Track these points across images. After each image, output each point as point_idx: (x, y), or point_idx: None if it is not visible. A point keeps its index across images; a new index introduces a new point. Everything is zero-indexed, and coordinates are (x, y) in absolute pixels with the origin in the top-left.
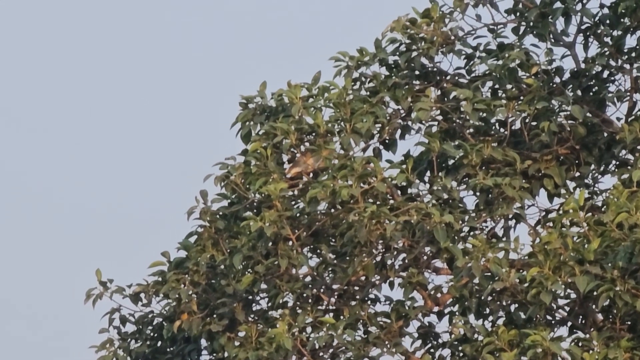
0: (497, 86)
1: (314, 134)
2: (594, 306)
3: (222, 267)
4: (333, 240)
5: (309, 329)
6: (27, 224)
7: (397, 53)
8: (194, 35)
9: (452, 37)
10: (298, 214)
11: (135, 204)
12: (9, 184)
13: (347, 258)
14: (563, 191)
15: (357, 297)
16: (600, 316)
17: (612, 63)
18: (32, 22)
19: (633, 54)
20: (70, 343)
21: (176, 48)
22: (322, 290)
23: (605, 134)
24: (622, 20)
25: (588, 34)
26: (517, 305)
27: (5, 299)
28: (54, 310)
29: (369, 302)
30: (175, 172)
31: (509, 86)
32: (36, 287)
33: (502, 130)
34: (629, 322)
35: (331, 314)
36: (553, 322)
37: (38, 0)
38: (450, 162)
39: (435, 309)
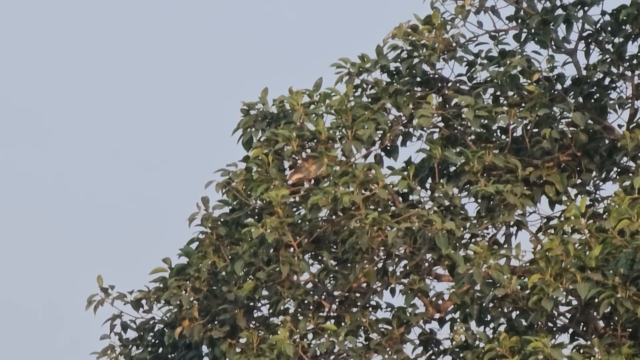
0: (498, 93)
1: (315, 140)
2: (595, 313)
3: (224, 273)
4: (334, 246)
5: (310, 336)
6: (29, 230)
7: (399, 60)
8: (196, 41)
9: (454, 44)
10: (299, 221)
11: (136, 211)
12: (10, 188)
13: (349, 265)
14: (564, 198)
15: (359, 303)
16: (601, 323)
17: (614, 70)
18: (36, 22)
19: (634, 61)
20: (73, 349)
21: (178, 55)
22: (323, 296)
23: (607, 141)
24: (623, 27)
25: (589, 41)
26: (518, 312)
27: (6, 299)
28: (56, 315)
29: (370, 308)
30: (176, 178)
31: (510, 93)
32: (37, 292)
33: (503, 137)
34: (630, 329)
35: (332, 321)
36: (554, 328)
37: (41, 1)
38: (452, 168)
39: (437, 315)
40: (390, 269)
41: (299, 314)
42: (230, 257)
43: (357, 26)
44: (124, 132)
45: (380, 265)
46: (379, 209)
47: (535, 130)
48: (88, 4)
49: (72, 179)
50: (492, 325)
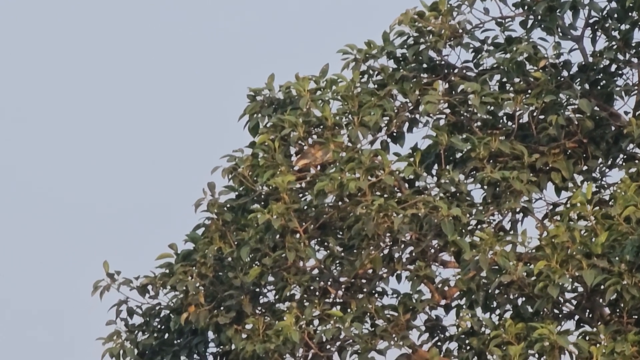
0: (505, 79)
1: (321, 126)
2: (601, 300)
3: (230, 259)
4: (340, 233)
5: (316, 322)
6: (35, 219)
7: (405, 46)
8: (201, 28)
9: (460, 30)
10: (305, 207)
11: (142, 196)
12: (14, 183)
13: (355, 251)
14: (571, 185)
15: (365, 290)
16: (607, 310)
17: (620, 57)
18: (35, 21)
19: None
20: (77, 338)
21: (184, 41)
22: (329, 283)
23: (613, 128)
24: (630, 14)
25: (596, 27)
26: (524, 298)
27: (8, 299)
28: (62, 304)
29: (376, 295)
30: (183, 164)
31: (516, 80)
32: (45, 282)
33: (509, 123)
34: (636, 316)
35: (338, 307)
36: (560, 315)
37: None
38: (458, 155)
39: (443, 302)
40: (396, 255)
41: (304, 300)
42: (236, 243)
43: (364, 12)
44: (128, 121)
45: (386, 251)
46: (385, 195)
47: (542, 116)
48: (89, 4)
49: (76, 167)
50: (498, 311)
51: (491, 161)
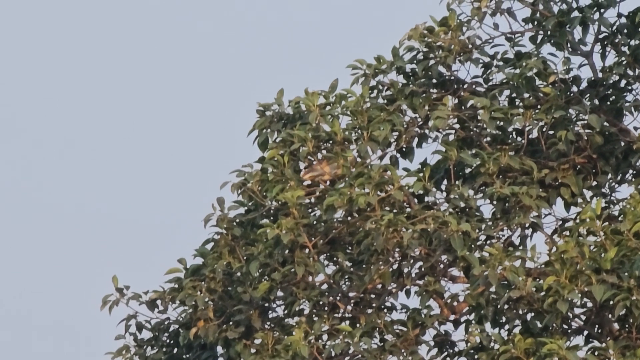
0: (514, 95)
1: (331, 141)
2: (610, 315)
3: (239, 274)
4: (350, 248)
5: (325, 337)
6: (44, 231)
7: (415, 61)
8: (211, 41)
9: (470, 46)
10: (315, 222)
11: (152, 211)
12: (24, 193)
13: (364, 266)
14: (580, 200)
15: (374, 305)
16: (616, 325)
17: (630, 72)
18: (39, 23)
19: None
20: (86, 350)
21: (193, 54)
22: (338, 298)
23: (623, 143)
24: (639, 29)
25: (605, 43)
26: (533, 313)
27: (20, 307)
28: (70, 318)
29: (385, 310)
30: (192, 179)
31: (526, 95)
32: (53, 294)
33: (519, 139)
34: None
35: (347, 322)
36: (569, 331)
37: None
38: (468, 170)
39: (452, 317)
40: (406, 270)
41: (314, 315)
42: (245, 257)
43: (373, 28)
44: (138, 134)
45: (395, 266)
46: (395, 211)
47: (551, 132)
48: (97, 8)
49: (87, 182)
50: (507, 327)
51: (500, 176)
